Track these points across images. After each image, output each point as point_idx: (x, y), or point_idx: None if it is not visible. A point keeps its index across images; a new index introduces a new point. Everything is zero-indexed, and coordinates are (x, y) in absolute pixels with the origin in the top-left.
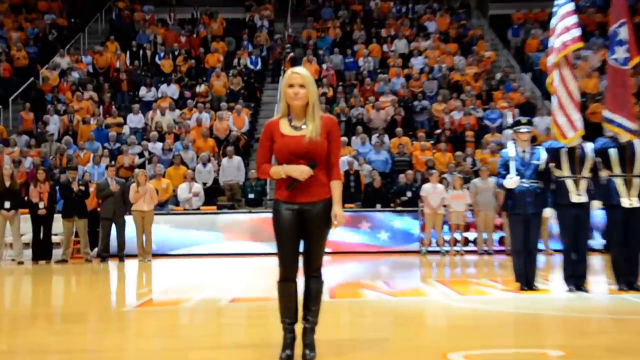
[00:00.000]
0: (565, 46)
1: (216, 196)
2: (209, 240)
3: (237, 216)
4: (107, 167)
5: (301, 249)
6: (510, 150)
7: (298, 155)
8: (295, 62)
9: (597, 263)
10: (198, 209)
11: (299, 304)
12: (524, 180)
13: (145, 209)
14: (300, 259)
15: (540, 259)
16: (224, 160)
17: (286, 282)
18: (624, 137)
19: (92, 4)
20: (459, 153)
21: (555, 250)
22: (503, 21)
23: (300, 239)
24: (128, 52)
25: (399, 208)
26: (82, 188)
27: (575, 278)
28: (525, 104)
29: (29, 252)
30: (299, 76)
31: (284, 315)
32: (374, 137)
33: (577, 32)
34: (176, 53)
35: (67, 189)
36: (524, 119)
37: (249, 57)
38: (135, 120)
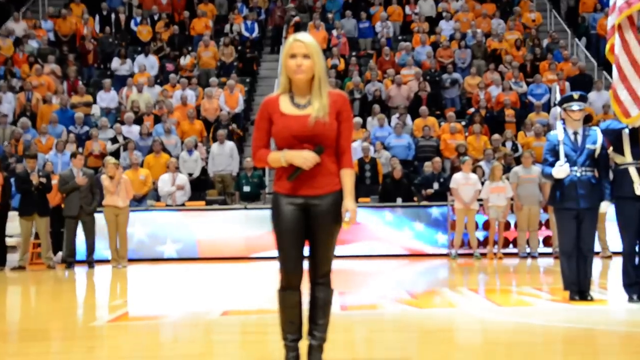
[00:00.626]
0: (629, 4)
1: (205, 189)
2: (196, 241)
3: (230, 213)
4: (72, 155)
5: (307, 252)
6: (559, 132)
7: (302, 138)
8: (299, 27)
9: None
10: (183, 204)
11: (304, 317)
12: (575, 168)
13: (120, 204)
14: (306, 263)
15: (596, 262)
16: (214, 147)
17: (289, 290)
18: None
19: None
20: (496, 136)
21: (614, 253)
22: None
23: (306, 239)
24: (97, 17)
25: (424, 203)
26: (43, 180)
27: (639, 286)
28: (578, 76)
29: None
30: (303, 44)
31: (286, 330)
32: (394, 118)
33: None
34: (155, 17)
35: (24, 181)
36: (576, 94)
37: (244, 22)
38: (106, 98)
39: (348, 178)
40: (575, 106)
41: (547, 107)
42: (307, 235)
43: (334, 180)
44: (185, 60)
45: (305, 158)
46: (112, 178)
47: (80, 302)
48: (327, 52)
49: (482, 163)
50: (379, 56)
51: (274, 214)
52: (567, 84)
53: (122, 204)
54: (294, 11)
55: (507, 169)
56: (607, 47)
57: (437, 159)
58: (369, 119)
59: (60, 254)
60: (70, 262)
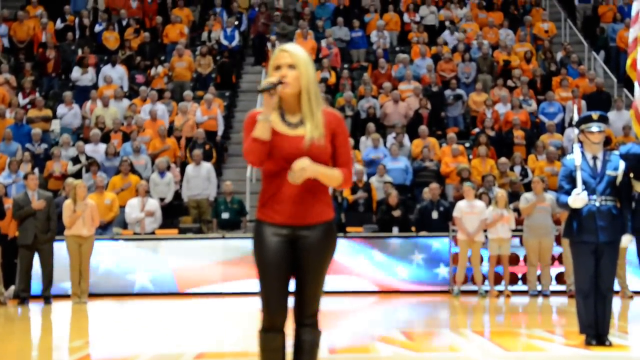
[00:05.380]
0: None
1: (178, 216)
2: (168, 275)
3: (205, 243)
4: (25, 177)
5: (292, 288)
6: (577, 156)
7: (294, 161)
8: (285, 37)
9: None
10: (153, 232)
11: None
12: (594, 197)
13: (85, 233)
14: (291, 301)
15: (615, 303)
16: (189, 168)
17: (271, 332)
18: None
19: None
20: (503, 160)
21: (636, 292)
22: None
23: (290, 274)
24: (58, 21)
25: (423, 233)
26: None
27: None
28: (595, 94)
29: None
30: (287, 54)
31: None
32: (390, 138)
33: None
34: (124, 23)
35: None
36: (595, 115)
37: (223, 29)
38: (68, 113)
39: (331, 169)
40: (594, 127)
41: (560, 128)
42: (293, 270)
43: (326, 210)
44: (157, 71)
45: (302, 168)
46: (77, 201)
47: (35, 344)
48: (316, 63)
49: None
50: (374, 69)
51: (256, 245)
52: (583, 102)
53: (87, 232)
54: (280, 18)
55: (514, 196)
56: (628, 61)
57: (434, 185)
58: (362, 138)
59: (12, 287)
60: (24, 297)
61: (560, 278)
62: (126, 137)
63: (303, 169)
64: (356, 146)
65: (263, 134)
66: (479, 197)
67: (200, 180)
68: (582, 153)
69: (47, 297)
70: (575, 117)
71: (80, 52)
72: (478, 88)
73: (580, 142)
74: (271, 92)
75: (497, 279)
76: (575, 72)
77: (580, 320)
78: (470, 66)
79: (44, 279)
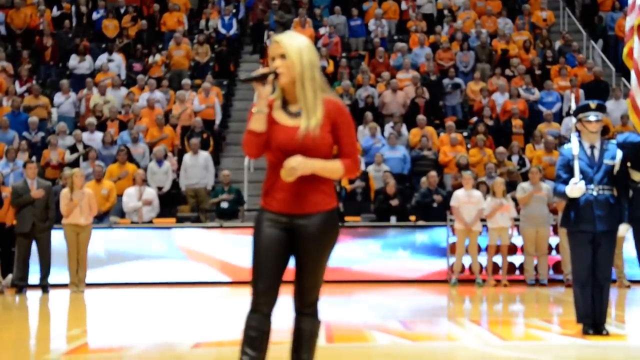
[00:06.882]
0: None
1: (176, 205)
2: (165, 264)
3: (203, 232)
4: (24, 165)
5: (286, 277)
6: (574, 145)
7: (289, 152)
8: (283, 25)
9: None
10: (151, 221)
11: (269, 354)
12: (591, 186)
13: (82, 222)
14: (283, 290)
15: (612, 292)
16: (187, 157)
17: (256, 314)
18: None
19: None
20: (501, 149)
21: (633, 282)
22: None
23: (285, 261)
24: (55, 8)
25: (420, 223)
26: None
27: None
28: (593, 83)
29: None
30: (278, 44)
31: (245, 345)
32: (388, 127)
33: None
34: (122, 11)
35: None
36: (593, 104)
37: (221, 17)
38: (65, 101)
39: (332, 161)
40: (592, 117)
41: (558, 117)
42: (291, 258)
43: (325, 200)
44: (154, 59)
45: (296, 164)
46: (74, 189)
47: (32, 332)
48: None
49: (484, 178)
50: (371, 58)
51: (254, 231)
52: (581, 91)
53: (85, 221)
54: (277, 12)
55: (512, 186)
56: (625, 50)
57: (432, 173)
58: (360, 127)
59: (10, 276)
60: (21, 285)
61: (557, 267)
62: (123, 126)
63: (293, 167)
64: None
65: (258, 126)
66: (476, 186)
67: (198, 169)
68: (580, 142)
69: (44, 286)
70: (573, 106)
71: (77, 40)
72: (476, 77)
73: (578, 131)
74: (264, 83)
75: (495, 269)
76: (574, 61)
77: (578, 310)
78: (469, 55)
79: (42, 267)
